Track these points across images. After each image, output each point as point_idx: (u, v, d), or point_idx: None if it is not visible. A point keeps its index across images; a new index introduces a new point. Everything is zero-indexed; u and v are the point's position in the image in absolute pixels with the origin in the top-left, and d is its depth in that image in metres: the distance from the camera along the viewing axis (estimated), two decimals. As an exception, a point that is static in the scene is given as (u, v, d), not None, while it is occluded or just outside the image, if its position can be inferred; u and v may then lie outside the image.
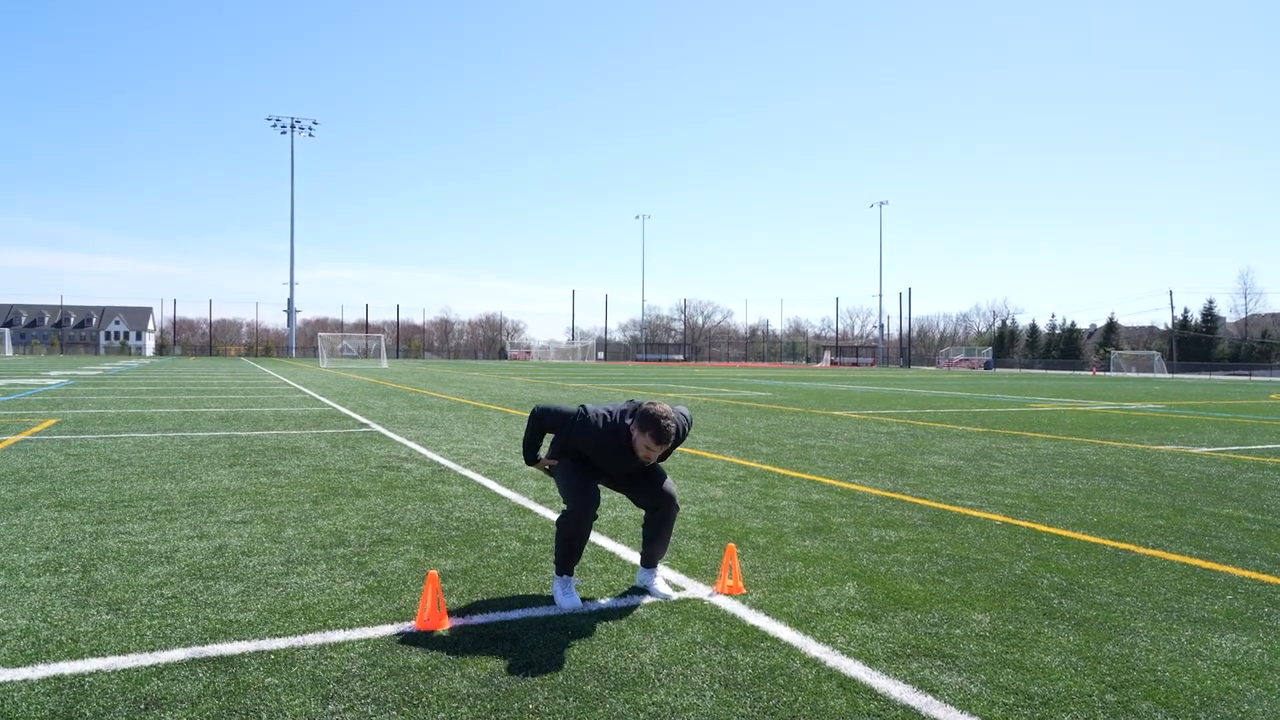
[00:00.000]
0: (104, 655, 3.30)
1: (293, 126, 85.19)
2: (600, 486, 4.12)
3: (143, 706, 2.86)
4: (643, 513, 4.28)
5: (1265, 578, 4.71)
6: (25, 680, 3.05)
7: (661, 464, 4.24)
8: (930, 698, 3.03)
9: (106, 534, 5.32)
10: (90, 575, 4.39)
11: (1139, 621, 3.92)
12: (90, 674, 3.12)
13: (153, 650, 3.36)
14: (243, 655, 3.33)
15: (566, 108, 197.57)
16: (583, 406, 4.05)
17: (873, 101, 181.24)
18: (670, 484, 4.20)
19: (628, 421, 3.93)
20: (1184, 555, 5.20)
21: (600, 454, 3.99)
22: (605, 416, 3.97)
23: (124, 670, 3.16)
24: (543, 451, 4.34)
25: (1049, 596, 4.28)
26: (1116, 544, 5.48)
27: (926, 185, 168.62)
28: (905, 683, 3.16)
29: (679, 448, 4.28)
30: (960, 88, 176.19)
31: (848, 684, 3.15)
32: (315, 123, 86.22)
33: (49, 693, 2.95)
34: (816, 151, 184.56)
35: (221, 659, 3.29)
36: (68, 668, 3.17)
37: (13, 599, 3.98)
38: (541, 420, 4.11)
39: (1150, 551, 5.29)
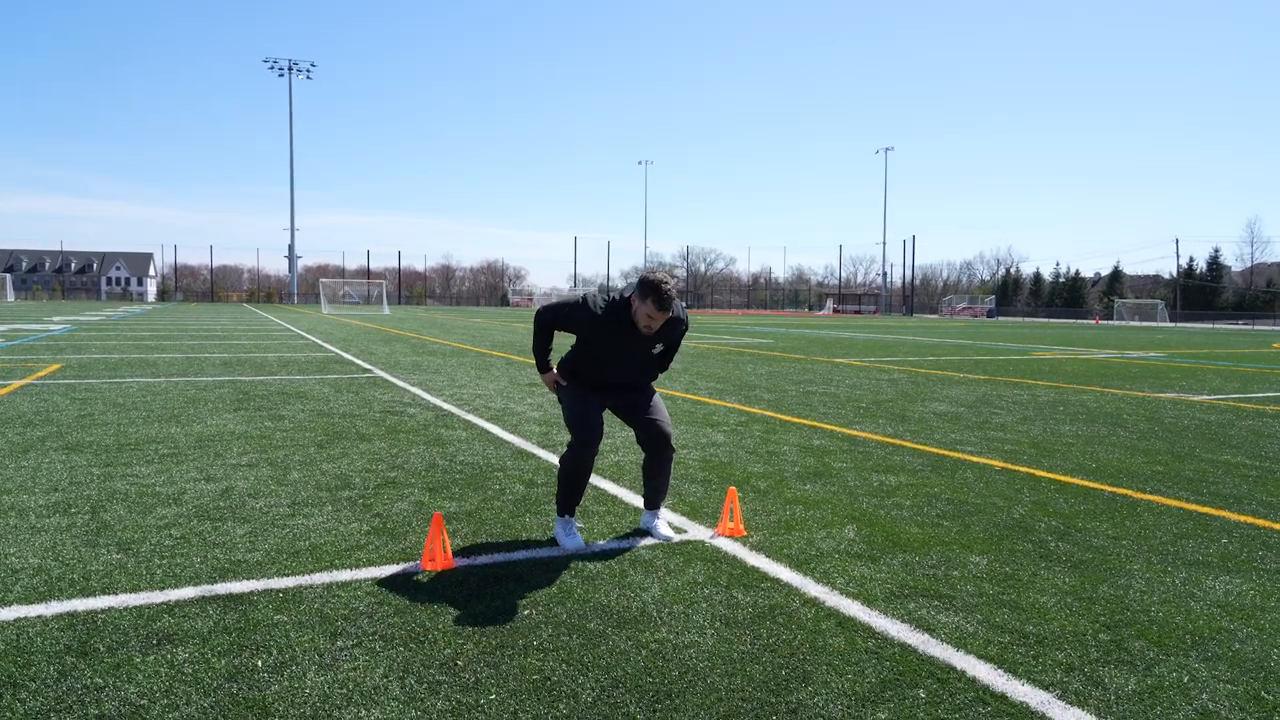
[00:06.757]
0: (115, 593, 3.36)
1: (290, 69, 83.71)
2: (604, 419, 4.15)
3: (155, 641, 2.92)
4: (644, 456, 4.33)
5: (1261, 522, 4.76)
6: (40, 616, 3.12)
7: (660, 404, 4.26)
8: (927, 636, 3.09)
9: (114, 476, 5.38)
10: (99, 516, 4.45)
11: (1134, 564, 3.97)
12: (103, 611, 3.18)
13: (163, 588, 3.42)
14: (252, 594, 3.39)
15: (569, 52, 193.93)
16: (584, 295, 4.13)
17: (878, 47, 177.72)
18: (667, 422, 4.25)
19: (628, 295, 4.03)
20: (1181, 500, 5.25)
21: (603, 335, 4.03)
22: (606, 297, 4.08)
23: (136, 607, 3.22)
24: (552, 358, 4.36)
25: (1046, 540, 4.33)
26: (1114, 489, 5.52)
27: (932, 132, 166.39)
28: (903, 622, 3.22)
29: (684, 339, 4.27)
30: (965, 33, 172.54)
31: (846, 623, 3.20)
32: (313, 65, 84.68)
33: (64, 628, 3.02)
34: (821, 98, 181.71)
35: (231, 597, 3.35)
36: (80, 605, 3.23)
37: (24, 539, 4.04)
38: (544, 318, 4.16)
39: (1147, 496, 5.34)
